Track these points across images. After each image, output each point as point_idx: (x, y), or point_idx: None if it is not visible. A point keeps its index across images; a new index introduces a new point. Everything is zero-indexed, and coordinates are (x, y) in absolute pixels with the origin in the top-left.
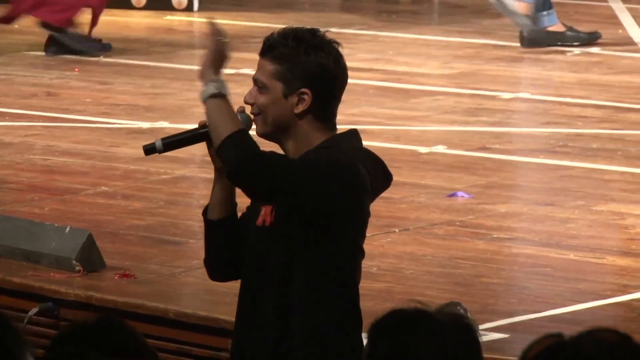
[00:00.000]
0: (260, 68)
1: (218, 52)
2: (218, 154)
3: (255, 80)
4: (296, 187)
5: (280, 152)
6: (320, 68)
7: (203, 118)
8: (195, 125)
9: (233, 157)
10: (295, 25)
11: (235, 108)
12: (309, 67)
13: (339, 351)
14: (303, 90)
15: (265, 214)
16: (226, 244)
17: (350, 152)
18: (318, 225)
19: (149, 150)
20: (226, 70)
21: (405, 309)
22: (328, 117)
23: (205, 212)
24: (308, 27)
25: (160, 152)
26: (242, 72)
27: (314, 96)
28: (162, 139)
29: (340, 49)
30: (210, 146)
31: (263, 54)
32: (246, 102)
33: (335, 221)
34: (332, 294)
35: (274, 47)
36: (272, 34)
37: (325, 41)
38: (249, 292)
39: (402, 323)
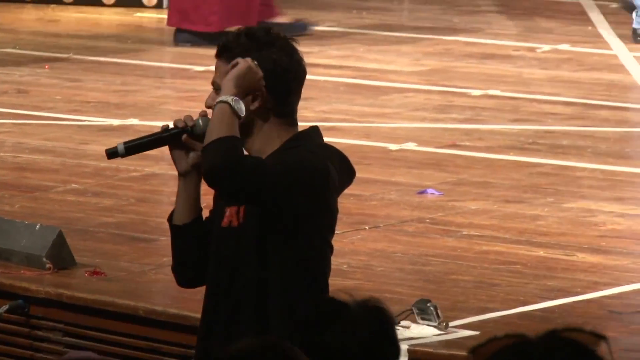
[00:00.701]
0: (217, 70)
1: (247, 76)
2: (202, 152)
3: (213, 83)
4: (270, 190)
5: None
6: (272, 63)
7: (173, 116)
8: (165, 123)
9: (216, 157)
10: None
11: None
12: (260, 64)
13: None
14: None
15: (231, 214)
16: (193, 247)
17: (318, 150)
18: (290, 224)
19: (112, 154)
20: (195, 67)
21: (323, 302)
22: (287, 112)
23: (170, 219)
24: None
25: (123, 156)
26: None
27: (268, 92)
28: (125, 143)
29: (296, 45)
30: (173, 149)
31: (219, 55)
32: (208, 106)
33: (306, 221)
34: (305, 290)
35: (229, 48)
36: (227, 34)
37: (279, 37)
38: (215, 294)
39: (319, 316)
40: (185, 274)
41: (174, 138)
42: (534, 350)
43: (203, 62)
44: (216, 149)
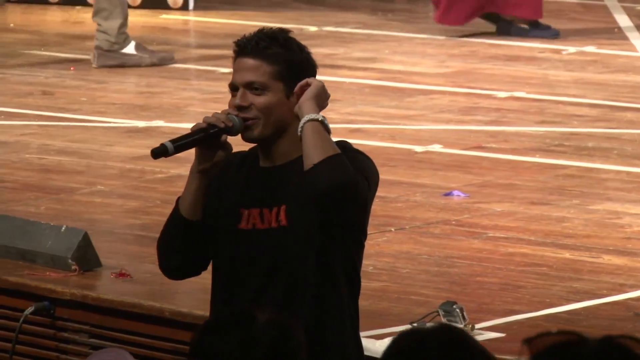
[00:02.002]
0: (252, 70)
1: (323, 96)
2: (312, 171)
3: (249, 82)
4: (367, 200)
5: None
6: (312, 65)
7: (199, 118)
8: (192, 124)
9: (343, 174)
10: (287, 25)
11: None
12: (302, 65)
13: (336, 350)
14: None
15: (254, 217)
16: (199, 243)
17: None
18: (352, 227)
19: (159, 153)
20: (221, 69)
21: (234, 310)
22: None
23: (177, 208)
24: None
25: (171, 154)
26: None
27: None
28: (172, 142)
29: None
30: (204, 146)
31: (254, 54)
32: (240, 106)
33: (362, 222)
34: (342, 292)
35: (267, 47)
36: (254, 35)
37: (294, 39)
38: (240, 294)
39: (221, 321)
40: (173, 262)
41: (216, 137)
42: (587, 351)
43: (228, 64)
44: (336, 167)
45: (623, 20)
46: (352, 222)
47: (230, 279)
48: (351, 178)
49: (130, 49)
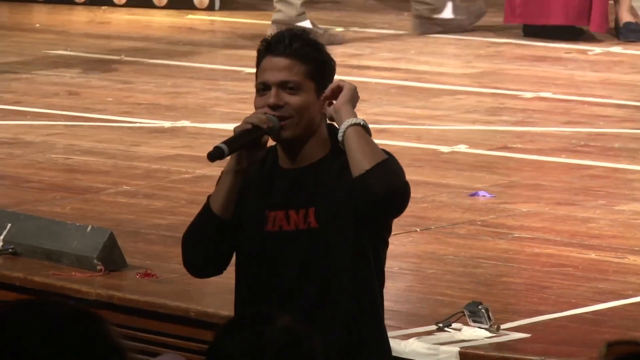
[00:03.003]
0: (286, 69)
1: (355, 98)
2: (364, 178)
3: (284, 82)
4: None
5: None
6: (334, 65)
7: (224, 118)
8: (217, 125)
9: (397, 178)
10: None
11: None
12: (331, 66)
13: (373, 344)
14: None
15: (280, 219)
16: (219, 239)
17: None
18: (382, 228)
19: (216, 156)
20: (247, 69)
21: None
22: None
23: (209, 199)
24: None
25: (226, 156)
26: None
27: None
28: (225, 144)
29: None
30: (250, 148)
31: (287, 54)
32: (274, 105)
33: (389, 223)
34: (375, 288)
35: (300, 47)
36: (283, 34)
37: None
38: (261, 297)
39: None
40: (199, 259)
41: (260, 137)
42: None
43: (254, 64)
44: (389, 173)
45: None
46: (387, 224)
47: (257, 280)
48: (403, 182)
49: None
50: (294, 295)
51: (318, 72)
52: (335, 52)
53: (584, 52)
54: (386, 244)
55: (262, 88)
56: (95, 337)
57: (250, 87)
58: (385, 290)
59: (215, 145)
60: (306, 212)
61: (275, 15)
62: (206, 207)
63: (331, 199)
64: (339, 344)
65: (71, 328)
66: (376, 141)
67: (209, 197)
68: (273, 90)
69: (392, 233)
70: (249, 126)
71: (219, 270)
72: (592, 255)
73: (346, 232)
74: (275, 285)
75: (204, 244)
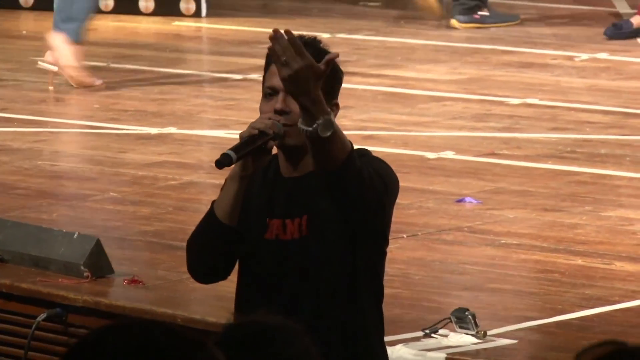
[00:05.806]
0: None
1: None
2: (347, 163)
3: (279, 86)
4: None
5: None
6: (342, 78)
7: (212, 125)
8: (204, 131)
9: (362, 171)
10: (305, 32)
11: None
12: (339, 77)
13: (370, 354)
14: (336, 100)
15: (277, 227)
16: (225, 245)
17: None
18: (378, 232)
19: (224, 163)
20: (234, 76)
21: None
22: None
23: (213, 205)
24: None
25: (235, 163)
26: (250, 77)
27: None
28: (233, 151)
29: None
30: (257, 154)
31: None
32: (281, 111)
33: (386, 228)
34: (367, 300)
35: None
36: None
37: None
38: (262, 304)
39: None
40: (204, 265)
41: (267, 143)
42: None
43: (241, 70)
44: (356, 164)
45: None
46: (372, 226)
47: (258, 287)
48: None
49: None
50: (294, 304)
51: (327, 81)
52: None
53: (570, 58)
54: (383, 254)
55: (270, 93)
56: None
57: (237, 94)
58: None
59: (222, 152)
60: (300, 221)
61: None
62: (210, 213)
63: (322, 205)
64: (337, 357)
65: (171, 355)
66: (363, 147)
67: (213, 202)
68: (281, 96)
69: None
70: (256, 132)
71: (223, 275)
72: (579, 261)
73: (338, 240)
74: (274, 293)
75: (209, 250)
